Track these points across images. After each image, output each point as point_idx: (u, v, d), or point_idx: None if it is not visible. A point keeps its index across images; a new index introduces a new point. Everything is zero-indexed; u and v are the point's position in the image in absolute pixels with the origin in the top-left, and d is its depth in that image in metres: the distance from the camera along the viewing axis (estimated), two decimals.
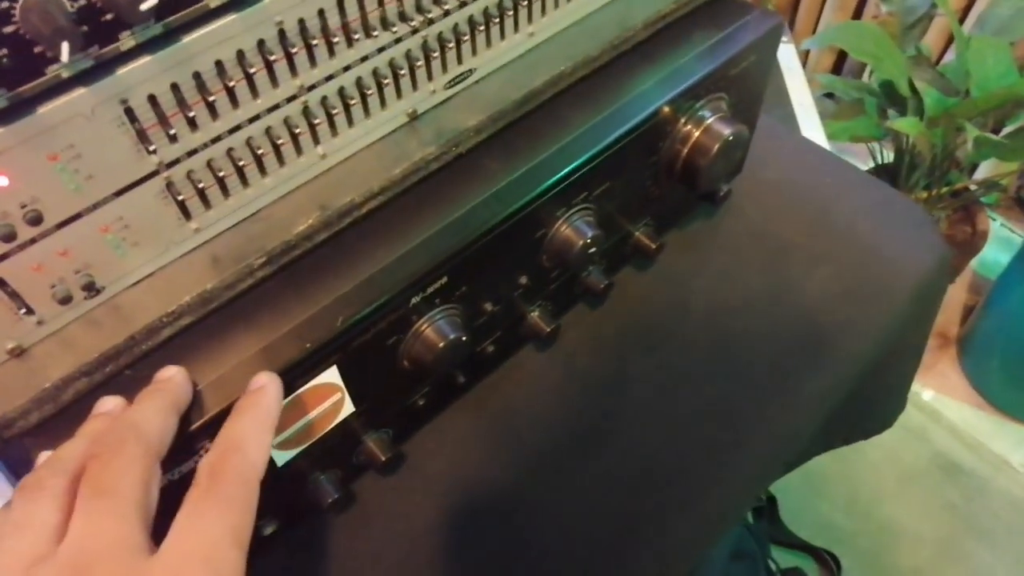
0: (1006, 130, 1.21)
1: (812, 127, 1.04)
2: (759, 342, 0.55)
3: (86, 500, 0.27)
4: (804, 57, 1.70)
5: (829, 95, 1.44)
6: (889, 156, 1.35)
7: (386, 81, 0.39)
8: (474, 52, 0.42)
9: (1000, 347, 1.28)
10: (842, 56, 1.67)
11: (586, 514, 0.48)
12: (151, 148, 0.33)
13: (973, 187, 1.32)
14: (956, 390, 1.34)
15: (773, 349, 0.55)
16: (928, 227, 0.60)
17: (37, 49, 0.27)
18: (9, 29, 0.26)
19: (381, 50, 0.38)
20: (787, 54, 1.16)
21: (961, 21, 1.41)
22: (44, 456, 0.31)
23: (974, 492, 1.23)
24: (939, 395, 1.34)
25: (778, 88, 1.10)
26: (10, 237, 0.31)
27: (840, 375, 0.54)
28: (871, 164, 1.39)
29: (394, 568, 0.46)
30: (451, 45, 0.41)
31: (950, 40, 1.43)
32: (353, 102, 0.38)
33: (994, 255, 1.45)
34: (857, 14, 1.58)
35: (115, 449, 0.28)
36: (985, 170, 1.47)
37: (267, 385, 0.33)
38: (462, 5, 0.40)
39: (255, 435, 0.31)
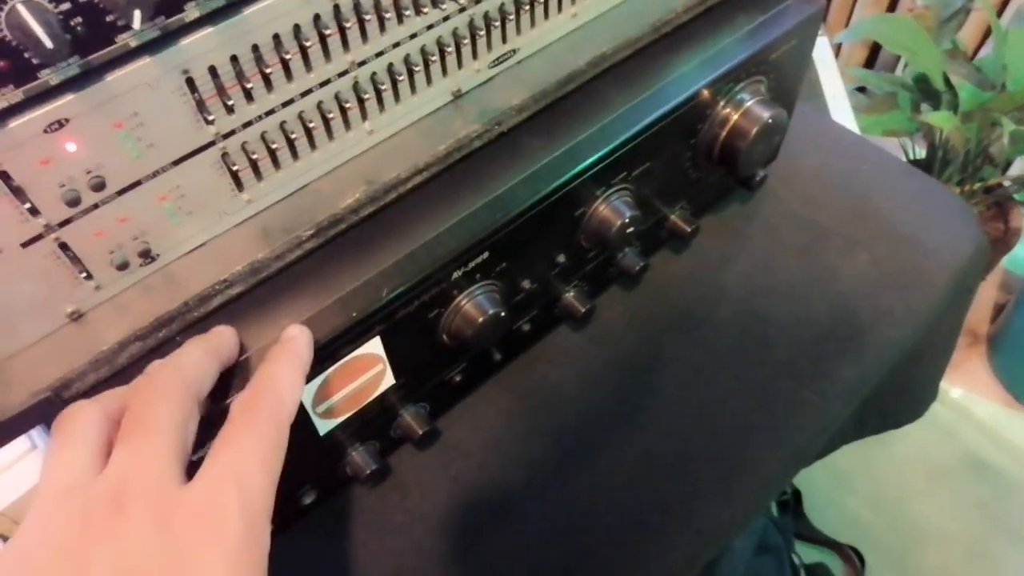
0: None
1: (845, 120, 1.03)
2: (795, 327, 0.55)
3: (127, 433, 0.28)
4: (836, 51, 1.68)
5: (861, 89, 1.42)
6: (921, 151, 1.34)
7: (433, 59, 0.40)
8: (518, 32, 0.43)
9: None
10: (875, 50, 1.65)
11: (620, 491, 0.48)
12: (209, 118, 0.34)
13: (1007, 183, 1.30)
14: (986, 388, 1.33)
15: (809, 334, 0.55)
16: (966, 216, 0.60)
17: (108, 18, 0.28)
18: None
19: (430, 27, 0.39)
20: (820, 46, 1.15)
21: (999, 15, 1.39)
22: None
23: (1003, 491, 1.22)
24: (968, 393, 1.32)
25: (811, 80, 1.09)
26: (75, 202, 0.32)
27: (876, 362, 0.54)
28: (903, 159, 1.37)
29: (428, 540, 0.47)
30: (496, 25, 0.41)
31: (987, 34, 1.41)
32: (401, 79, 0.39)
33: None
34: (891, 7, 1.56)
35: (155, 387, 0.30)
36: (1020, 166, 1.45)
37: (299, 335, 0.35)
38: None
39: (287, 377, 0.33)
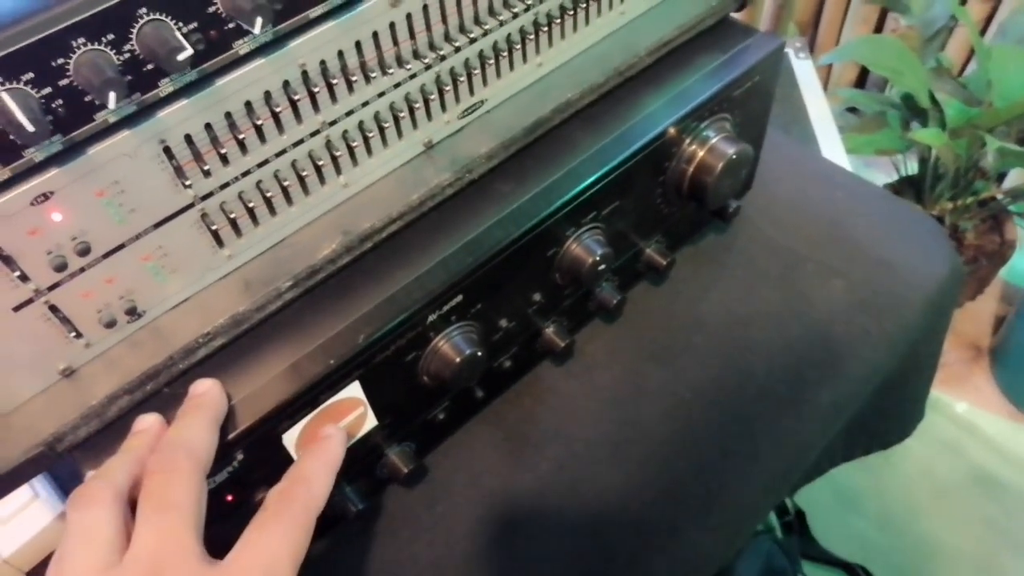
0: None
1: (831, 142, 1.05)
2: (773, 353, 0.56)
3: (149, 513, 0.30)
4: (827, 72, 1.70)
5: (852, 109, 1.44)
6: (914, 168, 1.35)
7: (402, 114, 0.42)
8: (485, 83, 0.45)
9: None
10: (865, 69, 1.67)
11: (602, 523, 0.49)
12: (187, 183, 0.36)
13: (1000, 196, 1.31)
14: (990, 402, 1.32)
15: (787, 360, 0.56)
16: (939, 238, 0.61)
17: (87, 98, 0.30)
18: (64, 82, 0.29)
19: (397, 86, 0.41)
20: (805, 70, 1.17)
21: (983, 32, 1.41)
22: (92, 475, 0.34)
23: (1012, 505, 1.21)
24: (973, 407, 1.32)
25: (797, 104, 1.11)
26: (62, 267, 0.34)
27: (854, 385, 0.55)
28: (895, 176, 1.38)
29: None
30: (463, 78, 0.43)
31: (973, 51, 1.43)
32: (372, 134, 0.41)
33: None
34: (878, 28, 1.58)
35: (170, 467, 0.32)
36: (1016, 178, 1.45)
37: (334, 435, 0.38)
38: (472, 41, 0.42)
39: (321, 473, 0.36)
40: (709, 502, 0.50)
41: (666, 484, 0.51)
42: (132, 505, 0.32)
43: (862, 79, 1.69)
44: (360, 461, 0.46)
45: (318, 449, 0.38)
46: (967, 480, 1.25)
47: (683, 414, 0.53)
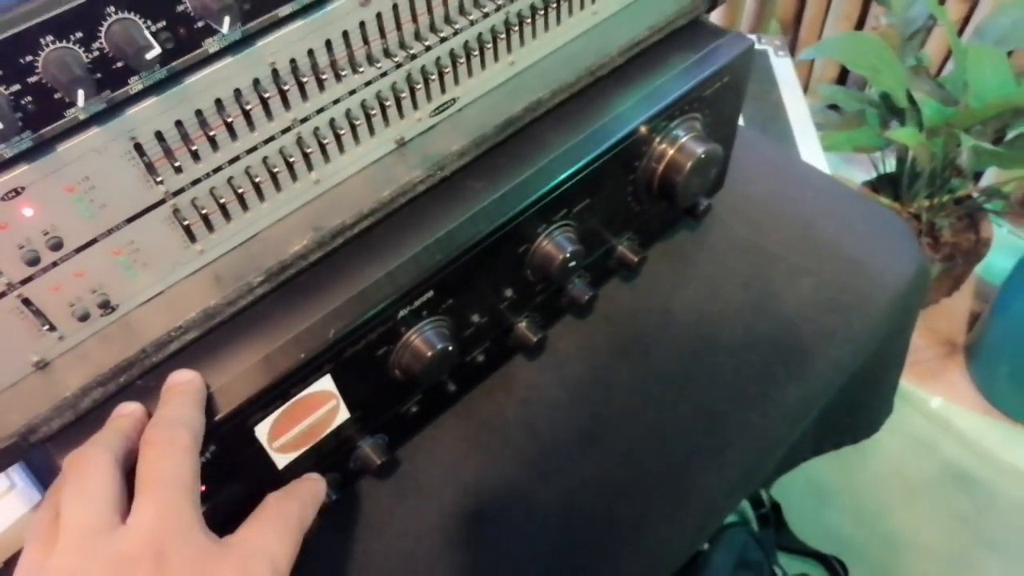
0: (1009, 136, 1.22)
1: (807, 139, 1.06)
2: (742, 350, 0.57)
3: (149, 484, 0.31)
4: (809, 68, 1.72)
5: (833, 106, 1.46)
6: (892, 166, 1.37)
7: (374, 112, 0.42)
8: (457, 82, 0.46)
9: (1008, 353, 1.28)
10: (846, 66, 1.68)
11: (573, 516, 0.50)
12: (158, 179, 0.36)
13: (976, 195, 1.33)
14: (964, 398, 1.34)
15: (756, 357, 0.57)
16: (908, 238, 0.62)
17: (57, 95, 0.31)
18: (33, 79, 0.29)
19: (368, 83, 0.41)
20: (783, 67, 1.18)
21: (961, 32, 1.43)
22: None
23: (984, 502, 1.23)
24: (947, 403, 1.34)
25: (775, 102, 1.13)
26: (34, 261, 0.34)
27: (821, 383, 0.56)
28: (874, 174, 1.40)
29: (389, 570, 0.49)
30: (434, 77, 0.44)
31: (952, 51, 1.44)
32: (343, 132, 0.42)
33: (1001, 261, 1.45)
34: (860, 25, 1.59)
35: (169, 440, 0.33)
36: (992, 176, 1.47)
37: (317, 480, 0.43)
38: (443, 40, 0.43)
39: (311, 498, 0.41)
40: (677, 496, 0.51)
41: (635, 478, 0.52)
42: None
43: (844, 76, 1.70)
44: (333, 453, 0.46)
45: (307, 481, 0.42)
46: (940, 475, 1.27)
47: (652, 409, 0.54)
